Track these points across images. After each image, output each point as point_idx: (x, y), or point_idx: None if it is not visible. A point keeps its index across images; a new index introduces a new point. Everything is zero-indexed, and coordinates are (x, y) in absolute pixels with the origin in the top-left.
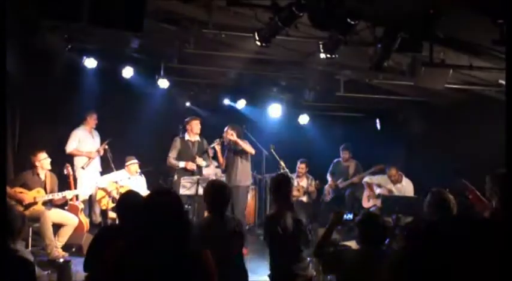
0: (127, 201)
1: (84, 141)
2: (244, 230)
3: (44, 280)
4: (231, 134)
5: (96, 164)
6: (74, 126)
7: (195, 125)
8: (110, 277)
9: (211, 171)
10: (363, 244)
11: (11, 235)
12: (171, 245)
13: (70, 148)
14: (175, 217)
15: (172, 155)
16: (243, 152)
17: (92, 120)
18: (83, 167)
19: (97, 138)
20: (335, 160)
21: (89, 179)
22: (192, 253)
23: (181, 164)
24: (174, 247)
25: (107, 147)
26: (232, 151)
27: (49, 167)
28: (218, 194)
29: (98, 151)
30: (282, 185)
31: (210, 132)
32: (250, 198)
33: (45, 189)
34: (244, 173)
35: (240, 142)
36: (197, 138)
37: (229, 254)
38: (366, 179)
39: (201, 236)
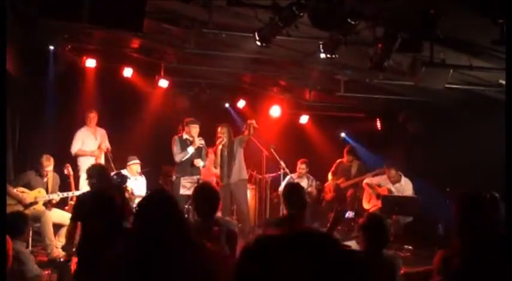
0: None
1: (87, 141)
2: (235, 233)
3: (44, 280)
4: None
5: None
6: (74, 126)
7: (193, 129)
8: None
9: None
10: (367, 246)
11: None
12: (171, 238)
13: (74, 148)
14: (167, 212)
15: (177, 151)
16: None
17: (89, 119)
18: None
19: (102, 138)
20: (338, 160)
21: None
22: (194, 244)
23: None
24: (173, 239)
25: (109, 147)
26: (232, 146)
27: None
28: (207, 199)
29: (100, 148)
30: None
31: (209, 133)
32: (251, 198)
33: (47, 190)
34: (243, 167)
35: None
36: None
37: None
38: (366, 180)
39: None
